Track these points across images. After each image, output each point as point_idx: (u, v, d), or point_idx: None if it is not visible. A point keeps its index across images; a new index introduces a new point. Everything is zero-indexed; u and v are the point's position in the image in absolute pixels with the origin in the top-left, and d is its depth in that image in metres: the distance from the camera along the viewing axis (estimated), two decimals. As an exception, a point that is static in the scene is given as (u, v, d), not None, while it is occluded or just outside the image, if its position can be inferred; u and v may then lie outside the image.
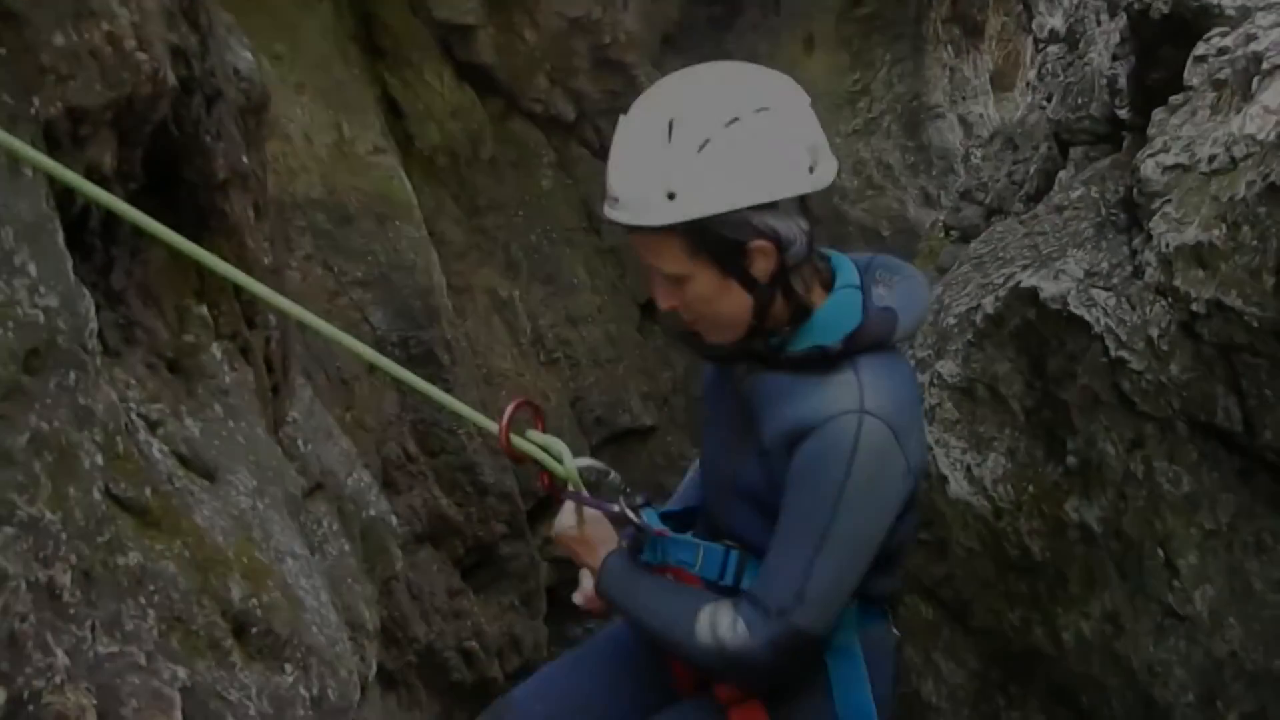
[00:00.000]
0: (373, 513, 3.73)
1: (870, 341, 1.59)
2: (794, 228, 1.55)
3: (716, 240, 1.53)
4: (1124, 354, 2.58)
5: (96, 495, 1.41)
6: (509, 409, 1.64)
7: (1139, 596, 2.69)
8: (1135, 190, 2.75)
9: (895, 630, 1.87)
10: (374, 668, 3.33)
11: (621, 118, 1.57)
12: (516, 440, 1.66)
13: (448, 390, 5.99)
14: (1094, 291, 2.71)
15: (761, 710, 1.75)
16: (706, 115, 1.50)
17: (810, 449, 1.55)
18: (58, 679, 1.25)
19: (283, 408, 2.78)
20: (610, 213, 1.58)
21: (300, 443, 3.02)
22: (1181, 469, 2.52)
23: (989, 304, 3.10)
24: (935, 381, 3.29)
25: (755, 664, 1.60)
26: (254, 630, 1.77)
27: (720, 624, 1.61)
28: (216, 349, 2.11)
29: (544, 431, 1.71)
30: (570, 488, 1.72)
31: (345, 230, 4.94)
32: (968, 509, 3.16)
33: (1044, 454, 2.95)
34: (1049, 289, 2.85)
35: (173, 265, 1.93)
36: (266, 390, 2.53)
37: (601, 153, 7.24)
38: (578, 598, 1.97)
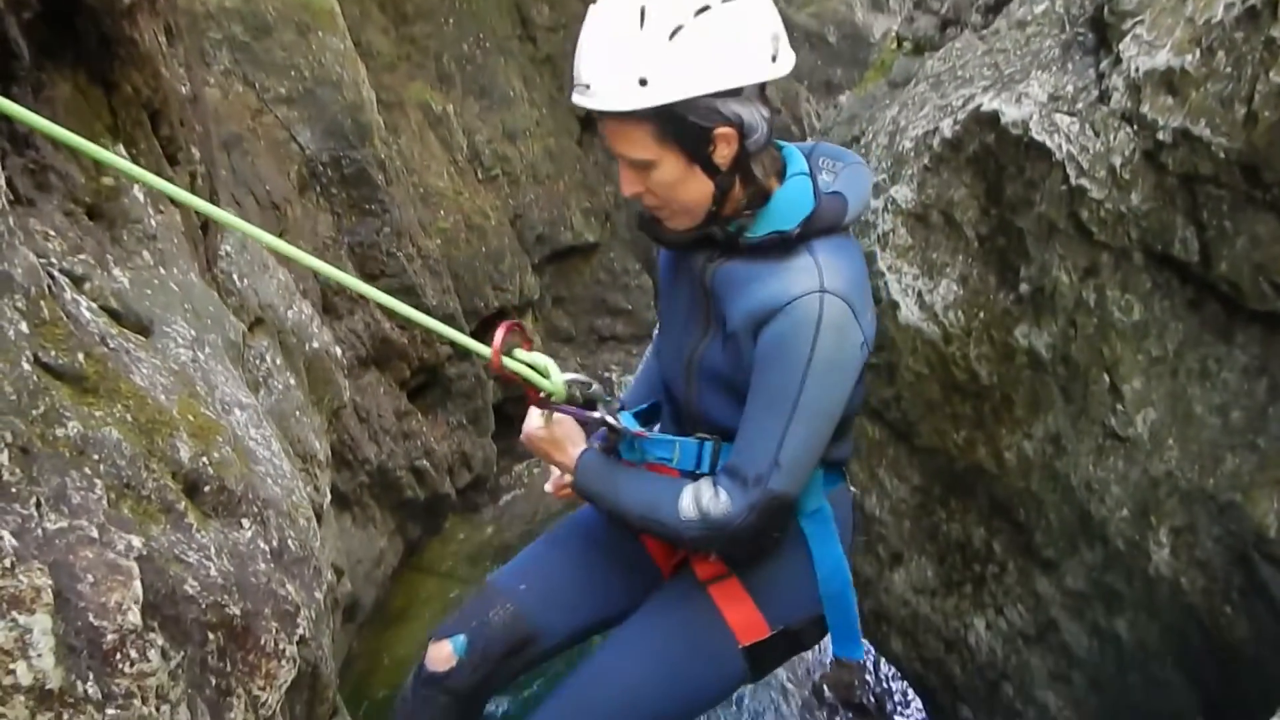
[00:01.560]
0: (315, 345, 3.65)
1: (824, 226, 1.69)
2: (756, 115, 1.63)
3: (684, 126, 1.59)
4: (1084, 182, 2.53)
5: (26, 366, 1.33)
6: (499, 333, 1.74)
7: (1082, 419, 2.76)
8: (1105, 9, 2.62)
9: (852, 488, 2.06)
10: (328, 496, 3.35)
11: (592, 5, 1.59)
12: (507, 361, 1.77)
13: (384, 212, 5.77)
14: (1057, 117, 2.63)
15: (739, 585, 1.90)
16: (677, 4, 1.54)
17: (777, 329, 1.65)
18: (7, 561, 1.20)
19: (214, 244, 2.64)
20: (580, 98, 1.62)
21: (235, 278, 2.89)
22: (1134, 297, 2.52)
23: (947, 127, 3.00)
24: (889, 207, 3.23)
25: (737, 529, 1.72)
26: (206, 489, 1.73)
27: (703, 497, 1.74)
28: (139, 190, 1.96)
29: (529, 345, 1.81)
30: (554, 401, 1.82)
31: (265, 42, 4.60)
32: (918, 334, 3.18)
33: (996, 281, 2.94)
34: (1010, 113, 2.76)
35: (82, 101, 1.76)
36: (196, 229, 2.39)
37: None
38: (548, 486, 2.11)
